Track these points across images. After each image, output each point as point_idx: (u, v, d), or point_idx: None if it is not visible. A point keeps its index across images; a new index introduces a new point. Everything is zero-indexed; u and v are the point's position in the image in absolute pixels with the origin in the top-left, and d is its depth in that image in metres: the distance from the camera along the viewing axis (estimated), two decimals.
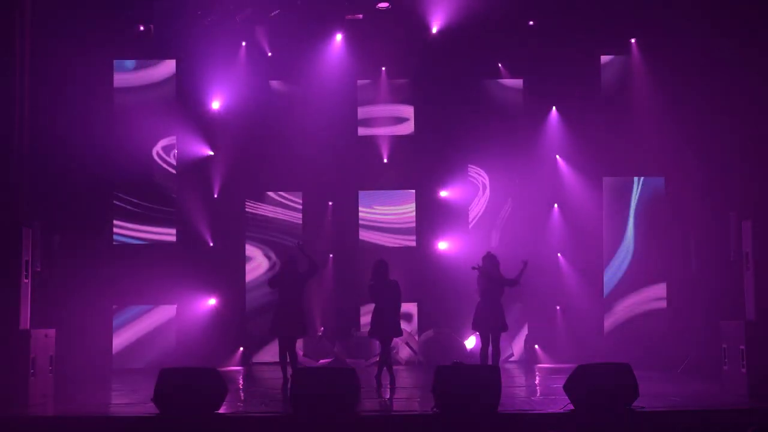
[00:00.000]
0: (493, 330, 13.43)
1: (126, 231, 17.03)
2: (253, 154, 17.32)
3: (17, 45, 13.12)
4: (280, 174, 17.43)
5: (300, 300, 13.37)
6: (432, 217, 17.64)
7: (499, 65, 17.44)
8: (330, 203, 17.68)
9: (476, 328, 13.63)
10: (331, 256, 17.50)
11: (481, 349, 13.50)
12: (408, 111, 17.77)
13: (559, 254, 17.17)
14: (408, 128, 17.78)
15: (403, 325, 14.20)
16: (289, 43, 17.19)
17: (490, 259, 13.66)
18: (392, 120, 17.84)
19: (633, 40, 16.90)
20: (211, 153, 17.28)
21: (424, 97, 17.62)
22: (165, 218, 17.23)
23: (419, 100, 17.69)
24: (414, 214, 17.77)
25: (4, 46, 13.00)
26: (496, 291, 13.53)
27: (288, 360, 13.26)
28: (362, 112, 17.79)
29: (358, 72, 17.51)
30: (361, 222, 17.74)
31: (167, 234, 17.19)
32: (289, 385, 12.25)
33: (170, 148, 17.28)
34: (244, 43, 17.23)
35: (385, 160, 17.60)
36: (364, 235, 17.72)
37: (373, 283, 13.26)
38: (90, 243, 16.31)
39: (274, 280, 13.61)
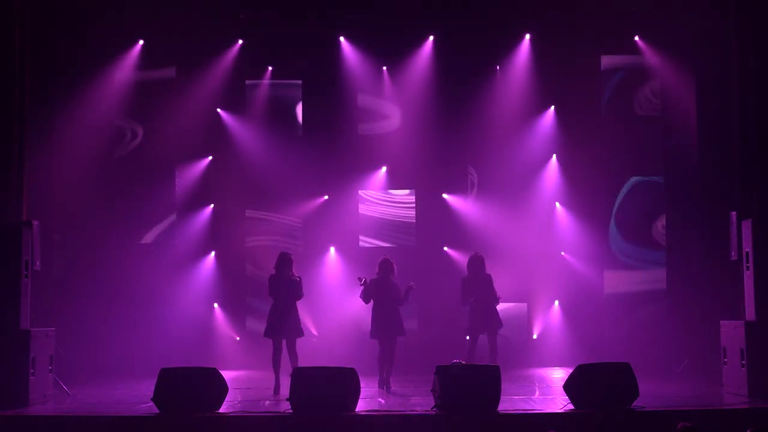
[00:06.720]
0: (488, 330, 13.36)
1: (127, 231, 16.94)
2: None
3: (17, 38, 13.10)
4: None
5: (293, 304, 13.21)
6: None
7: (497, 67, 17.41)
8: None
9: (468, 331, 13.61)
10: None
11: (468, 350, 13.40)
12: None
13: (562, 252, 17.13)
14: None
15: None
16: None
17: (476, 260, 13.59)
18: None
19: (636, 38, 16.83)
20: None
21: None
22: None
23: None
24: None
25: (3, 39, 12.98)
26: (483, 292, 13.39)
27: (285, 361, 13.18)
28: None
29: None
30: None
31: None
32: (281, 389, 12.27)
33: None
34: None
35: None
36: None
37: (377, 279, 13.18)
38: (90, 243, 16.30)
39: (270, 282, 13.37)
